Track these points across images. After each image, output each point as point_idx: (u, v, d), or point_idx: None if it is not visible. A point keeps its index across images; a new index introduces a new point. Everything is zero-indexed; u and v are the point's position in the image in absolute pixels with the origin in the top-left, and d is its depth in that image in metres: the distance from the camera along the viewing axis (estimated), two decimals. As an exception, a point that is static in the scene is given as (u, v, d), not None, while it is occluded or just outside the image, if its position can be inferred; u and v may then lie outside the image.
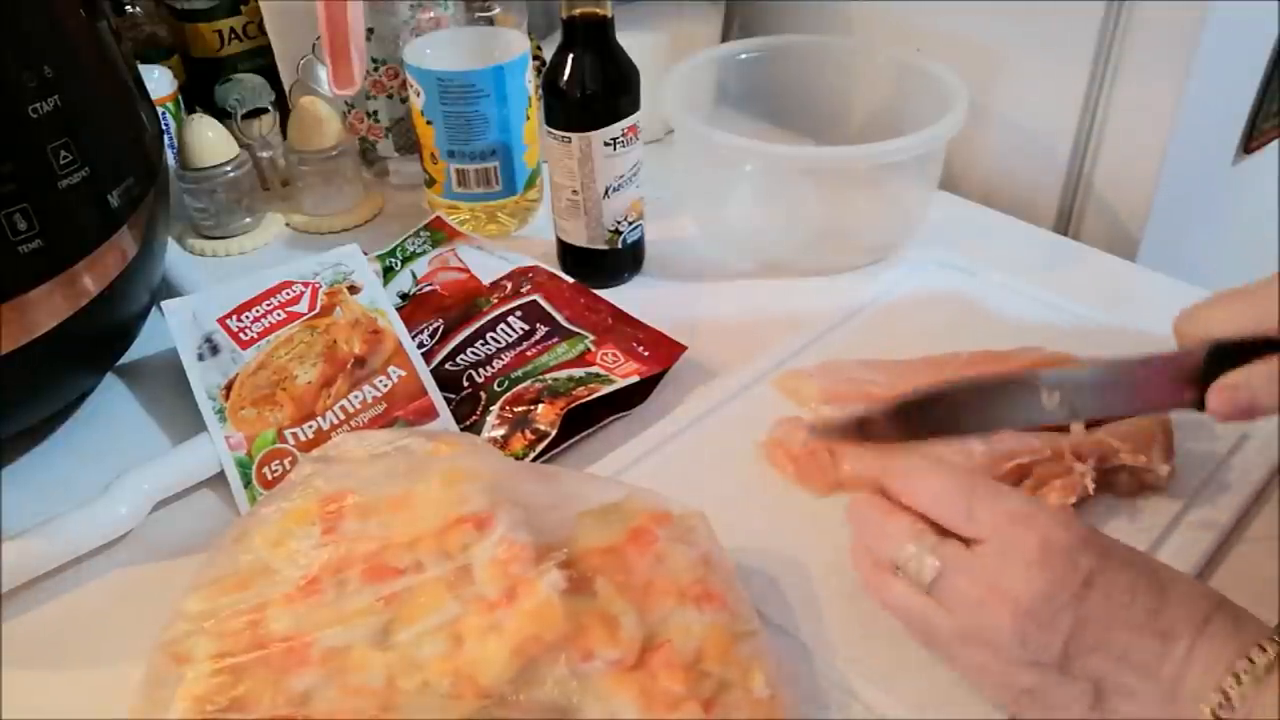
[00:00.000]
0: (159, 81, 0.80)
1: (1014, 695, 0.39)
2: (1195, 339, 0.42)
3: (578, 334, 0.62)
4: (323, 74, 0.75)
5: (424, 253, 0.70)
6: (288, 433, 0.56)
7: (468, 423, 0.57)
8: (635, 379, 0.58)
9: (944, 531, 0.41)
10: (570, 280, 0.67)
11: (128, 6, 0.84)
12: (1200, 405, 0.41)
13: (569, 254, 0.71)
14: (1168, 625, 0.36)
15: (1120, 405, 0.45)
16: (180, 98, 0.83)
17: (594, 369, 0.59)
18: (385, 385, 0.58)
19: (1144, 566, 0.38)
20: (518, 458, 0.54)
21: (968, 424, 0.45)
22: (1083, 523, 0.40)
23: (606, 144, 0.65)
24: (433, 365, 0.60)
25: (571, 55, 0.64)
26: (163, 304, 0.63)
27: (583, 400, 0.56)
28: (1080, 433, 0.51)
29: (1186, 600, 0.37)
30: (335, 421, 0.56)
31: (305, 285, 0.63)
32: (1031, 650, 0.37)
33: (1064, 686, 0.37)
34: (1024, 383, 0.43)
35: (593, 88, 0.64)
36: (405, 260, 0.70)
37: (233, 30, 0.85)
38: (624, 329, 0.63)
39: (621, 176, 0.67)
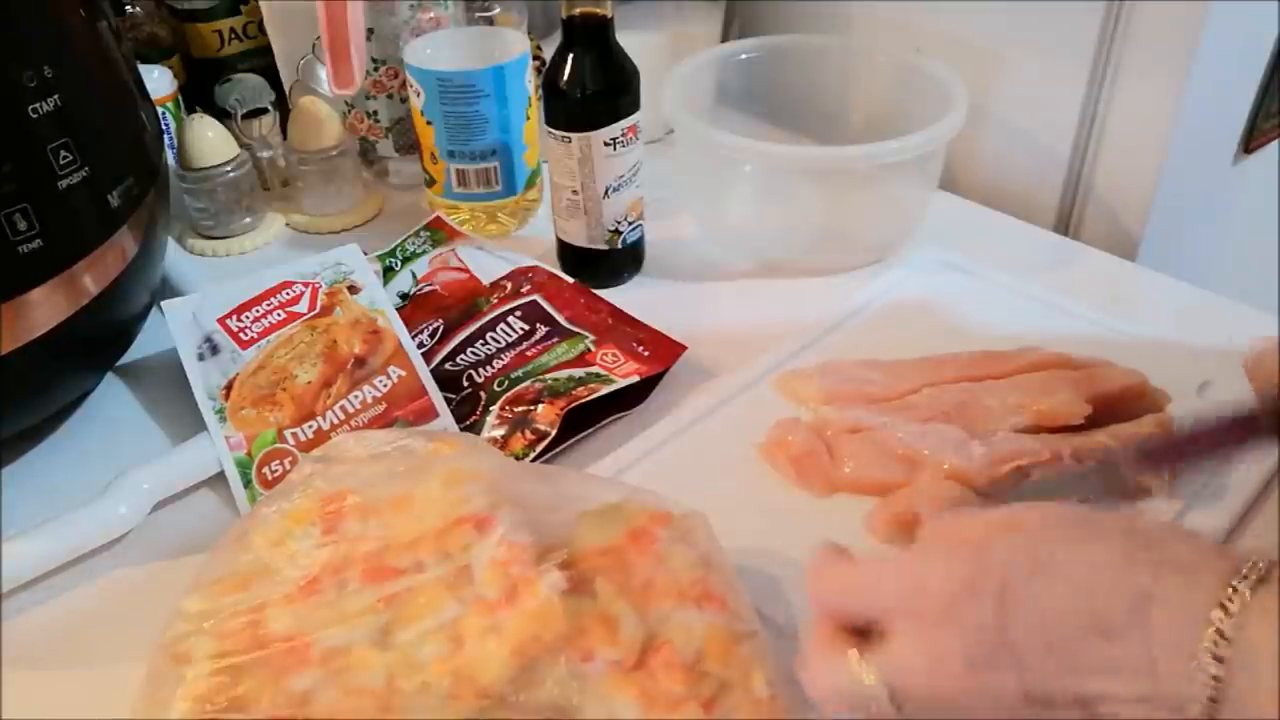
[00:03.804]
0: (159, 81, 0.80)
1: None
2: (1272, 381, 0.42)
3: (578, 334, 0.62)
4: (323, 74, 0.75)
5: (424, 253, 0.70)
6: (288, 433, 0.56)
7: (468, 423, 0.57)
8: (635, 379, 0.58)
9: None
10: (570, 280, 0.67)
11: (128, 6, 0.84)
12: None
13: (569, 254, 0.71)
14: (1106, 622, 0.34)
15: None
16: (180, 98, 0.83)
17: (594, 369, 0.59)
18: (385, 385, 0.58)
19: (1059, 570, 0.35)
20: (518, 458, 0.54)
21: None
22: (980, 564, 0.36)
23: (606, 144, 0.65)
24: (433, 365, 0.60)
25: (571, 55, 0.64)
26: (163, 304, 0.63)
27: (583, 400, 0.56)
28: (1080, 436, 0.51)
29: (1117, 590, 0.34)
30: (335, 421, 0.56)
31: (305, 285, 0.63)
32: (993, 693, 0.35)
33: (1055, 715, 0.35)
34: None
35: (593, 88, 0.64)
36: (405, 260, 0.70)
37: (233, 30, 0.85)
38: (624, 329, 0.63)
39: (621, 176, 0.67)
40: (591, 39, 0.63)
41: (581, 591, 0.40)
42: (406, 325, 0.61)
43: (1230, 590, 0.32)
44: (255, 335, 0.60)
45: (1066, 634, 0.34)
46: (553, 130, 0.66)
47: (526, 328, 0.63)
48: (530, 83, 0.74)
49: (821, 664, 0.39)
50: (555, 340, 0.61)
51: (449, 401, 0.58)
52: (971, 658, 0.35)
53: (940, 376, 0.57)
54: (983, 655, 0.35)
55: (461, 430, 0.57)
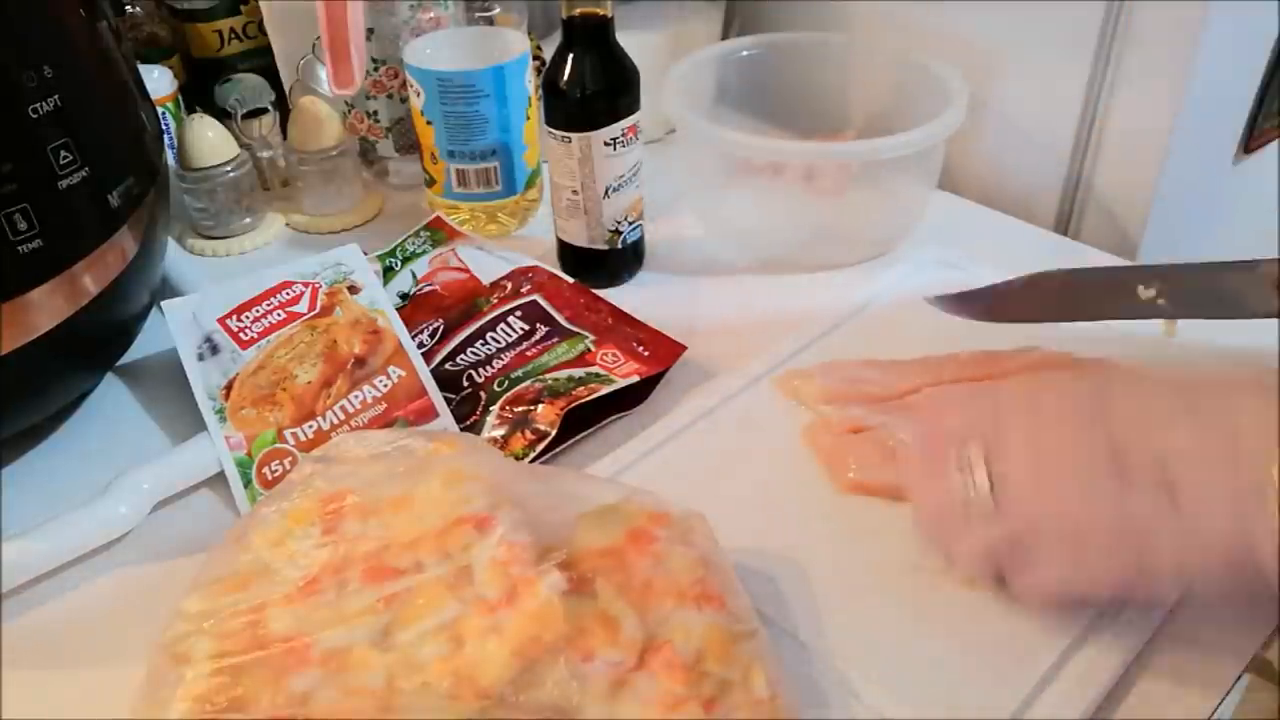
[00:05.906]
0: (159, 81, 0.80)
1: (1118, 536, 0.39)
2: None
3: (578, 334, 0.62)
4: (323, 74, 0.75)
5: (424, 253, 0.70)
6: (288, 433, 0.56)
7: (468, 423, 0.57)
8: (635, 379, 0.58)
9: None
10: (570, 280, 0.67)
11: (128, 6, 0.84)
12: None
13: (569, 254, 0.71)
14: (1197, 405, 0.38)
15: (1215, 310, 0.47)
16: (180, 98, 0.83)
17: (594, 369, 0.59)
18: (385, 385, 0.58)
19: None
20: (518, 458, 0.54)
21: (1083, 311, 0.52)
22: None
23: (606, 144, 0.65)
24: (433, 365, 0.60)
25: (571, 55, 0.64)
26: (163, 304, 0.63)
27: (583, 400, 0.56)
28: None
29: (1213, 385, 0.39)
30: (335, 421, 0.56)
31: (305, 285, 0.63)
32: (1089, 478, 0.38)
33: (1140, 497, 0.38)
34: (1120, 281, 0.49)
35: (593, 88, 0.64)
36: (405, 260, 0.70)
37: (233, 30, 0.85)
38: (624, 329, 0.63)
39: (621, 176, 0.67)
40: (591, 39, 0.63)
41: (581, 592, 0.40)
42: (406, 325, 0.61)
43: None
44: (255, 335, 0.60)
45: (1159, 419, 0.39)
46: (553, 130, 0.66)
47: (526, 328, 0.63)
48: (530, 83, 0.74)
49: (932, 474, 0.43)
50: (555, 340, 0.61)
51: (449, 401, 0.58)
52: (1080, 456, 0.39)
53: (940, 376, 0.57)
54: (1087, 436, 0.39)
55: (461, 430, 0.57)
